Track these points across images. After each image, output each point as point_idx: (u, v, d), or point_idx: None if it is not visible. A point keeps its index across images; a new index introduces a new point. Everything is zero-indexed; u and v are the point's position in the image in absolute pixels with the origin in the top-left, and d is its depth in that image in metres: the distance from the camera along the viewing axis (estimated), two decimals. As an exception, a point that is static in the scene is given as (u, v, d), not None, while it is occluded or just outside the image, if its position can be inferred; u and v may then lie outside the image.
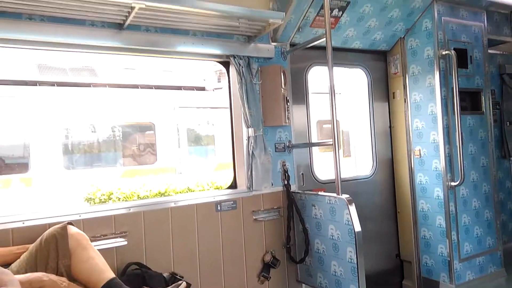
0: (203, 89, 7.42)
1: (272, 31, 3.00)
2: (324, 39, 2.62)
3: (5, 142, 5.74)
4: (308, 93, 3.42)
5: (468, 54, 3.57)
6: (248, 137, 2.90)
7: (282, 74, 2.99)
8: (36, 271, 1.89)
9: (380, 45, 3.64)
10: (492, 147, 3.71)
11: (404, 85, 3.66)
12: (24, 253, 2.02)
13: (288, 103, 3.04)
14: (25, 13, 2.24)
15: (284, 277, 3.08)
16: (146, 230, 2.56)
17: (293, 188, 3.11)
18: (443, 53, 3.36)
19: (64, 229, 2.00)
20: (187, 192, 5.47)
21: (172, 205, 2.69)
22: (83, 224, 2.33)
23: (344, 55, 3.59)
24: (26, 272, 1.88)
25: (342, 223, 2.64)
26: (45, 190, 5.68)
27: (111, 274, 1.97)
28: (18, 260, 2.01)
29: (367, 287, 2.54)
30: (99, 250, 2.11)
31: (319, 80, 3.50)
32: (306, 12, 2.98)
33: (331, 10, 3.02)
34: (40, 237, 2.01)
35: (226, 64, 3.01)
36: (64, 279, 1.87)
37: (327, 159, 3.56)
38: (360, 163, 3.95)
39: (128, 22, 2.39)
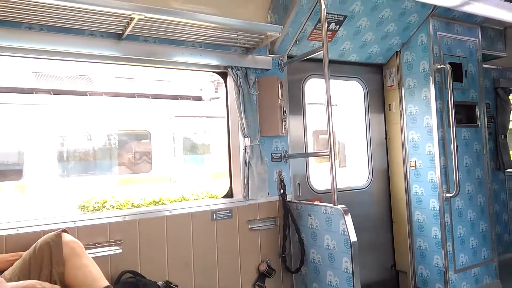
0: (199, 98, 7.45)
1: (270, 43, 3.05)
2: (321, 52, 2.66)
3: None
4: (305, 104, 3.45)
5: (463, 68, 3.63)
6: (245, 147, 2.91)
7: (279, 85, 3.03)
8: (30, 278, 1.88)
9: (376, 58, 3.70)
10: (487, 159, 3.74)
11: (400, 98, 3.71)
12: (18, 261, 2.02)
13: (285, 114, 3.07)
14: (25, 22, 2.27)
15: (280, 287, 3.07)
16: (141, 238, 2.55)
17: (289, 197, 3.12)
18: (438, 67, 3.41)
19: (58, 236, 2.00)
20: (181, 201, 5.46)
21: (168, 213, 2.69)
22: (77, 231, 2.32)
23: (341, 68, 3.64)
24: (19, 280, 1.87)
25: (338, 233, 2.64)
26: (39, 198, 5.65)
27: (105, 282, 1.97)
28: (11, 268, 2.00)
29: (362, 298, 2.54)
30: (93, 258, 2.11)
31: (315, 92, 3.54)
32: (304, 25, 3.03)
33: (328, 23, 3.07)
34: (34, 245, 2.01)
35: (224, 75, 3.04)
36: (57, 287, 1.87)
37: (323, 170, 3.58)
38: (355, 173, 3.97)
39: (127, 32, 2.43)
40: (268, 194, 3.02)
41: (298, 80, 3.42)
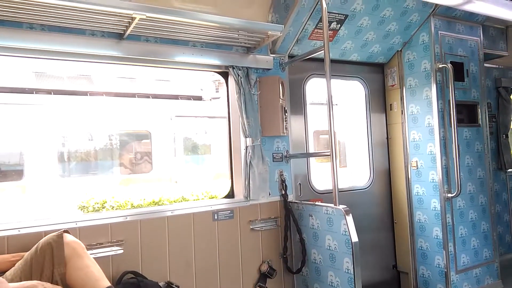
0: (200, 98, 7.45)
1: (271, 43, 3.04)
2: (322, 51, 2.65)
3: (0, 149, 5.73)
4: (306, 104, 3.45)
5: (465, 68, 3.62)
6: (246, 147, 2.91)
7: (280, 85, 3.02)
8: (31, 279, 1.88)
9: (377, 57, 3.69)
10: (489, 159, 3.73)
11: (401, 97, 3.70)
12: (19, 261, 2.01)
13: (286, 114, 3.07)
14: (26, 22, 2.27)
15: (281, 288, 3.07)
16: (142, 238, 2.55)
17: (291, 198, 3.11)
18: (440, 66, 3.40)
19: (60, 237, 2.00)
20: (181, 201, 5.45)
21: (169, 214, 2.68)
22: (79, 232, 2.32)
23: (342, 67, 3.63)
24: (21, 280, 1.87)
25: (339, 234, 2.64)
26: (39, 199, 5.65)
27: (106, 283, 1.96)
28: (13, 268, 2.00)
29: (363, 298, 2.54)
30: (95, 258, 2.11)
31: (316, 91, 3.54)
32: (305, 25, 3.02)
33: (329, 23, 3.07)
34: (35, 245, 2.00)
35: (225, 75, 3.04)
36: (59, 287, 1.86)
37: (324, 170, 3.58)
38: (355, 173, 3.96)
39: (128, 32, 2.42)
40: (270, 194, 3.01)
41: (299, 80, 3.41)
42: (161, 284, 2.45)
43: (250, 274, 2.95)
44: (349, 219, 2.57)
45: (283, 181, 3.09)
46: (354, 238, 2.54)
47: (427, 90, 3.46)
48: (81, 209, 5.38)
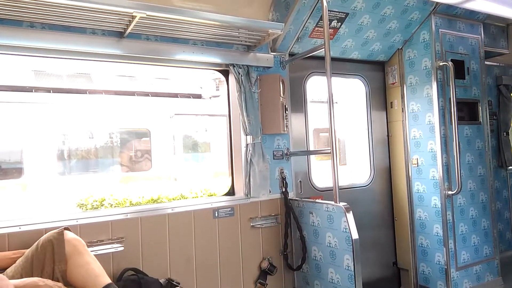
0: (199, 96, 7.44)
1: (272, 41, 3.04)
2: (323, 49, 2.65)
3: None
4: (306, 102, 3.45)
5: (465, 66, 3.61)
6: (247, 145, 2.92)
7: (281, 83, 3.02)
8: (32, 276, 1.89)
9: (378, 55, 3.69)
10: (489, 157, 3.73)
11: (402, 95, 3.70)
12: (20, 258, 2.03)
13: (286, 112, 3.07)
14: (27, 21, 2.27)
15: (281, 284, 3.08)
16: (143, 236, 2.56)
17: (291, 195, 3.12)
18: (441, 64, 3.40)
19: (60, 234, 2.01)
20: (180, 199, 5.46)
21: (170, 211, 2.69)
22: (79, 229, 2.33)
23: (343, 65, 3.63)
24: (21, 277, 1.88)
25: (339, 231, 2.65)
26: (39, 196, 5.66)
27: (107, 280, 1.97)
28: (13, 265, 2.01)
29: (364, 295, 2.55)
30: (95, 255, 2.12)
31: (316, 89, 3.54)
32: (305, 23, 3.02)
33: (330, 21, 3.07)
34: (36, 242, 2.01)
35: (225, 73, 3.04)
36: (60, 284, 1.87)
37: (323, 167, 3.58)
38: (355, 171, 3.96)
39: (128, 30, 2.43)
40: (270, 191, 3.02)
41: (300, 78, 3.41)
42: (161, 281, 2.46)
43: (250, 271, 2.96)
44: (350, 216, 2.57)
45: (283, 179, 3.10)
46: (355, 235, 2.54)
47: (428, 88, 3.46)
48: (80, 207, 5.39)
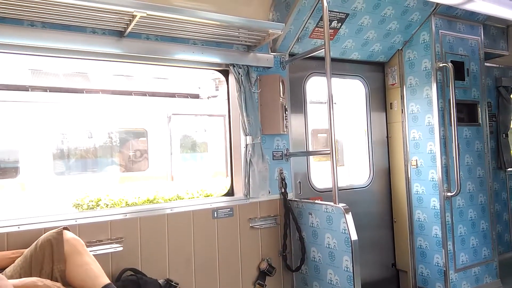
0: (197, 96, 7.43)
1: (272, 41, 3.04)
2: (323, 50, 2.65)
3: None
4: (306, 102, 3.45)
5: (465, 67, 3.62)
6: (246, 145, 2.91)
7: (280, 83, 3.02)
8: (31, 276, 1.88)
9: (378, 56, 3.69)
10: (488, 159, 3.74)
11: (401, 96, 3.70)
12: (19, 258, 2.02)
13: (286, 112, 3.07)
14: (27, 20, 2.27)
15: (280, 285, 3.08)
16: (142, 236, 2.56)
17: (290, 196, 3.12)
18: (440, 65, 3.40)
19: (59, 234, 2.00)
20: (176, 199, 5.45)
21: (169, 211, 2.69)
22: (78, 229, 2.33)
23: (342, 66, 3.63)
24: (20, 277, 1.87)
25: (338, 232, 2.64)
26: (35, 196, 5.63)
27: (106, 280, 1.97)
28: (12, 265, 2.00)
29: (362, 297, 2.54)
30: (94, 255, 2.11)
31: (314, 90, 3.54)
32: (306, 23, 3.02)
33: (330, 21, 3.06)
34: (35, 242, 2.01)
35: (225, 73, 3.04)
36: (58, 284, 1.87)
37: (320, 168, 3.58)
38: (353, 172, 3.97)
39: (129, 30, 2.42)
40: (269, 192, 3.02)
41: (300, 78, 3.41)
42: (160, 281, 2.45)
43: (249, 272, 2.95)
44: (349, 217, 2.57)
45: (283, 179, 3.09)
46: (354, 236, 2.54)
47: (428, 89, 3.46)
48: (76, 207, 5.38)
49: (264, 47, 3.04)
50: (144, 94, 6.89)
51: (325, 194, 3.35)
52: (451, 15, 3.54)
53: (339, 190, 2.65)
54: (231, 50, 2.91)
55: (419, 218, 3.57)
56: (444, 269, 3.35)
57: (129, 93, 6.77)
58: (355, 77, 3.78)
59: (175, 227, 2.68)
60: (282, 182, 3.09)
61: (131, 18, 2.31)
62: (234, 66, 2.88)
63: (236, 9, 2.81)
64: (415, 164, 3.59)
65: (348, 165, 4.16)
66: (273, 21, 2.99)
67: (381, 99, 3.88)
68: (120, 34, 2.51)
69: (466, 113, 3.69)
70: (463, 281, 3.43)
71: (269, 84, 3.01)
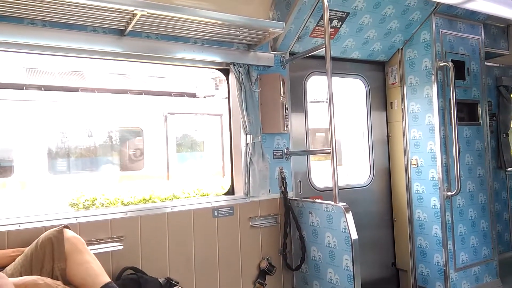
0: (194, 95, 7.40)
1: (272, 40, 3.04)
2: (324, 49, 2.65)
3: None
4: (306, 101, 3.45)
5: (466, 66, 3.61)
6: (247, 144, 2.91)
7: (281, 82, 3.02)
8: (31, 274, 1.88)
9: (378, 55, 3.69)
10: (489, 158, 3.74)
11: (402, 95, 3.70)
12: (19, 256, 2.02)
13: (286, 111, 3.07)
14: (27, 18, 2.26)
15: (280, 284, 3.08)
16: (142, 234, 2.56)
17: (291, 195, 3.12)
18: (441, 64, 3.40)
19: (60, 232, 2.00)
20: (172, 199, 5.44)
21: (169, 210, 2.69)
22: (79, 227, 2.33)
23: (343, 65, 3.63)
24: (21, 275, 1.87)
25: (338, 231, 2.64)
26: (30, 195, 5.60)
27: (106, 279, 1.97)
28: (13, 263, 2.00)
29: (362, 296, 2.54)
30: (95, 254, 2.11)
31: (312, 89, 3.53)
32: (306, 22, 3.02)
33: (331, 20, 3.06)
34: (36, 240, 2.01)
35: (225, 72, 3.04)
36: (59, 282, 1.87)
37: (319, 167, 3.58)
38: (351, 171, 3.96)
39: (129, 28, 2.42)
40: (270, 191, 3.02)
41: (300, 77, 3.41)
42: (160, 280, 2.45)
43: (249, 270, 2.96)
44: (349, 216, 2.57)
45: (283, 178, 3.09)
46: (354, 235, 2.54)
47: (428, 88, 3.46)
48: (72, 206, 5.37)
49: (265, 46, 3.04)
50: (140, 92, 6.86)
51: (325, 193, 3.35)
52: (452, 14, 3.54)
53: (340, 189, 2.65)
54: (232, 49, 2.91)
55: (419, 218, 3.57)
56: (444, 268, 3.35)
57: (125, 91, 6.73)
58: (355, 76, 3.78)
59: (176, 226, 2.68)
60: (283, 181, 3.09)
61: (132, 17, 2.31)
62: (234, 65, 2.88)
63: (236, 8, 2.81)
64: (415, 163, 3.59)
65: (346, 164, 4.15)
66: (273, 20, 2.99)
67: (381, 98, 3.88)
68: (120, 32, 2.51)
69: (467, 112, 3.69)
70: (463, 281, 3.43)
71: (269, 83, 3.01)
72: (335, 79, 3.59)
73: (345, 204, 2.62)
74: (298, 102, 3.39)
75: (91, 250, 2.13)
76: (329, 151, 2.63)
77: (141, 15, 2.25)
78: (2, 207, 5.36)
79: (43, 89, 6.07)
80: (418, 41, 3.54)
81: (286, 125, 3.06)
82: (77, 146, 6.25)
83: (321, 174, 3.47)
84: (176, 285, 2.50)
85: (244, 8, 2.89)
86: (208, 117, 7.28)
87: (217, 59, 2.87)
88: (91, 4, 2.12)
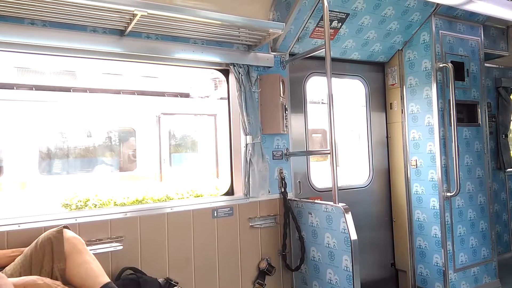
0: (187, 96, 7.36)
1: (272, 41, 3.04)
2: (323, 49, 2.65)
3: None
4: (306, 102, 3.45)
5: (465, 67, 3.62)
6: (246, 145, 2.91)
7: (281, 83, 3.02)
8: (31, 274, 1.88)
9: (378, 56, 3.69)
10: (488, 159, 3.74)
11: (401, 96, 3.71)
12: (19, 256, 2.02)
13: (286, 112, 3.07)
14: (27, 18, 2.26)
15: (280, 285, 3.08)
16: (142, 235, 2.56)
17: (290, 195, 3.12)
18: (440, 65, 3.41)
19: (60, 232, 2.00)
20: (165, 200, 5.42)
21: (169, 210, 2.69)
22: (79, 228, 2.33)
23: (343, 66, 3.64)
24: (20, 275, 1.87)
25: (338, 232, 2.65)
26: (19, 196, 5.56)
27: (106, 279, 1.97)
28: (12, 263, 2.00)
29: (362, 296, 2.55)
30: (94, 254, 2.11)
31: (309, 90, 3.53)
32: (306, 23, 3.02)
33: (331, 21, 3.07)
34: (35, 241, 2.01)
35: (225, 72, 3.04)
36: (58, 282, 1.87)
37: (316, 168, 3.57)
38: (349, 172, 3.96)
39: (129, 29, 2.42)
40: (269, 192, 3.02)
41: (300, 78, 3.41)
42: (160, 280, 2.45)
43: (249, 271, 2.96)
44: (348, 217, 2.58)
45: (282, 179, 3.10)
46: (353, 236, 2.54)
47: (427, 89, 3.47)
48: (65, 207, 5.35)
49: (265, 46, 3.04)
50: (132, 92, 6.79)
51: (325, 194, 3.35)
52: (451, 15, 3.55)
53: (339, 190, 2.65)
54: (232, 50, 2.92)
55: (418, 218, 3.57)
56: (443, 269, 3.36)
57: (117, 91, 6.66)
58: (355, 77, 3.79)
59: (175, 226, 2.68)
60: (282, 181, 3.09)
61: (132, 17, 2.31)
62: (234, 66, 2.88)
63: (236, 8, 2.80)
64: (415, 164, 3.60)
65: (344, 165, 4.14)
66: (273, 20, 2.99)
67: (381, 99, 3.88)
68: (120, 33, 2.51)
69: (466, 113, 3.69)
70: (462, 281, 3.44)
71: (269, 84, 3.02)
72: (334, 80, 3.60)
73: (344, 204, 2.62)
74: (298, 102, 3.39)
75: (90, 250, 2.13)
76: (328, 151, 2.63)
77: (141, 15, 2.26)
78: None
79: (34, 89, 6.01)
80: (417, 42, 3.55)
81: (286, 126, 3.06)
82: (69, 146, 6.19)
83: (317, 175, 3.47)
84: (176, 286, 2.50)
85: (244, 8, 2.89)
86: (202, 118, 7.23)
87: (217, 59, 2.87)
88: (91, 4, 2.12)
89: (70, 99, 6.18)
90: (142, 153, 6.63)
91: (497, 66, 4.60)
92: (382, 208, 3.82)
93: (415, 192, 3.61)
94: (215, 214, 2.84)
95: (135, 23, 2.36)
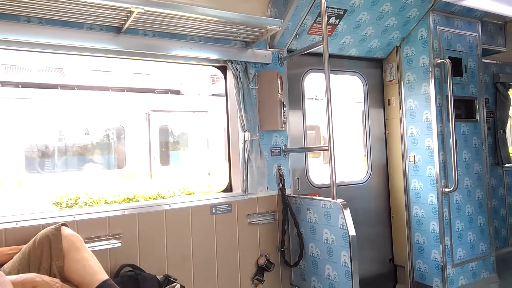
0: (178, 92, 7.30)
1: (270, 37, 3.03)
2: (321, 46, 2.65)
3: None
4: (304, 98, 3.45)
5: (463, 63, 3.62)
6: (244, 141, 2.91)
7: (278, 79, 3.02)
8: (29, 272, 1.88)
9: (376, 52, 3.69)
10: (486, 154, 3.75)
11: (399, 92, 3.71)
12: (17, 254, 2.02)
13: (284, 108, 3.07)
14: (23, 15, 2.25)
15: (278, 281, 3.09)
16: (140, 232, 2.56)
17: (288, 192, 3.12)
18: (438, 61, 3.41)
19: (58, 230, 2.00)
20: (156, 198, 5.40)
21: (167, 207, 2.69)
22: (77, 225, 2.33)
23: (341, 62, 3.63)
24: (18, 273, 1.87)
25: (336, 227, 2.65)
26: (7, 194, 5.52)
27: (104, 276, 1.97)
28: (10, 261, 2.00)
29: (360, 292, 2.56)
30: (92, 251, 2.11)
31: (307, 86, 3.52)
32: (304, 20, 3.01)
33: (328, 17, 3.06)
34: (33, 238, 2.00)
35: (223, 69, 3.03)
36: (57, 280, 1.87)
37: (315, 165, 3.57)
38: (346, 168, 3.96)
39: (126, 26, 2.41)
40: (268, 188, 3.03)
41: (298, 74, 3.41)
42: (159, 277, 2.46)
43: (247, 267, 2.96)
44: (347, 213, 2.58)
45: (281, 175, 3.10)
46: (352, 232, 2.55)
47: (425, 85, 3.47)
48: (56, 205, 5.34)
49: (262, 43, 3.03)
50: (122, 89, 6.73)
51: (323, 190, 3.36)
52: (449, 11, 3.54)
53: (337, 186, 2.66)
54: (229, 46, 2.91)
55: (416, 214, 3.59)
56: (442, 264, 3.37)
57: (106, 88, 6.60)
58: (353, 73, 3.78)
59: (174, 223, 2.69)
60: (280, 178, 3.09)
61: (129, 14, 2.30)
62: (232, 63, 2.87)
63: (234, 5, 2.80)
64: (413, 160, 3.60)
65: (341, 161, 4.13)
66: (271, 17, 2.99)
67: (379, 96, 3.89)
68: (117, 30, 2.50)
69: (464, 109, 3.70)
70: (460, 276, 3.45)
71: (267, 81, 3.01)
72: (332, 77, 3.59)
73: (343, 200, 2.63)
74: (296, 99, 3.39)
75: (89, 247, 2.13)
76: (327, 148, 2.64)
77: (138, 12, 2.25)
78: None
79: (20, 86, 5.93)
80: (415, 38, 3.55)
81: (284, 122, 3.06)
82: (55, 144, 6.14)
83: (313, 171, 3.46)
84: (174, 282, 2.50)
85: (241, 5, 2.89)
86: (193, 115, 7.19)
87: (214, 56, 2.86)
88: (88, 1, 2.12)
89: (57, 97, 6.10)
90: (131, 151, 6.58)
91: (495, 61, 4.61)
92: (381, 204, 3.83)
93: (413, 188, 3.61)
94: (214, 211, 2.84)
95: (132, 20, 2.35)
